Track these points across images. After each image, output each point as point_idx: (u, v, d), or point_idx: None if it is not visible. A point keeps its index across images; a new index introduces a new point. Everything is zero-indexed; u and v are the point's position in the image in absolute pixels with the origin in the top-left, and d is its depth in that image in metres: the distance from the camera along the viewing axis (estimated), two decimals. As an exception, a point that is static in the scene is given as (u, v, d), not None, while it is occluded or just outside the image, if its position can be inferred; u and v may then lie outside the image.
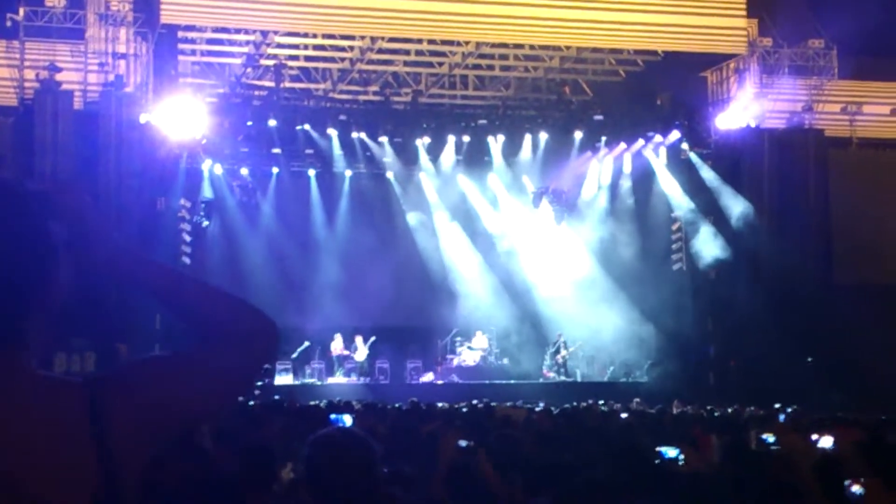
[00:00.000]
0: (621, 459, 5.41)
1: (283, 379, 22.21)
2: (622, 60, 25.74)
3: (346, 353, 23.56)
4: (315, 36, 23.71)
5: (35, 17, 21.84)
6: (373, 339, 23.48)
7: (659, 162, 25.61)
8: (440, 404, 15.62)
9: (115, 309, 18.71)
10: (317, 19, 22.07)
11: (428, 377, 23.62)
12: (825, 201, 24.91)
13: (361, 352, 23.52)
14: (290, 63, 24.49)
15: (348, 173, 25.64)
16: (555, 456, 5.64)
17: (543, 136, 25.36)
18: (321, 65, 25.26)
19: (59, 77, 21.46)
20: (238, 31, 23.49)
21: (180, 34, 23.13)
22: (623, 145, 25.65)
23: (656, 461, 6.18)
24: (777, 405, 15.88)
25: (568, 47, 24.45)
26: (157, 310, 20.55)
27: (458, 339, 24.51)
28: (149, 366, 1.86)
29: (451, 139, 25.18)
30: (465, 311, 24.81)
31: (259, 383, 21.91)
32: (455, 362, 24.03)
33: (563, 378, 24.05)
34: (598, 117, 25.35)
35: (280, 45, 23.77)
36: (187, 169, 23.22)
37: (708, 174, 25.09)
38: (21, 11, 21.80)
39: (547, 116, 25.81)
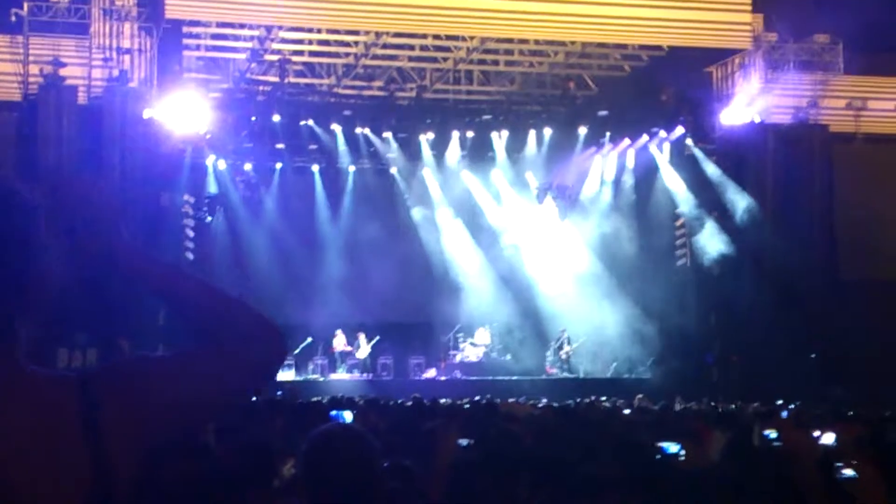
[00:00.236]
0: (622, 455, 5.40)
1: (285, 375, 22.19)
2: (627, 56, 25.69)
3: (348, 348, 23.56)
4: (319, 31, 23.68)
5: (39, 11, 21.82)
6: (377, 338, 23.46)
7: (663, 157, 25.58)
8: (443, 400, 15.61)
9: (118, 304, 18.69)
10: (321, 14, 22.05)
11: (431, 373, 23.63)
12: (829, 197, 24.87)
13: (363, 349, 23.51)
14: (295, 58, 24.46)
15: (352, 169, 25.63)
16: (557, 452, 5.63)
17: (548, 132, 25.34)
18: (325, 60, 25.23)
19: (63, 72, 21.46)
20: (242, 27, 23.48)
21: (184, 29, 23.13)
22: (627, 141, 25.63)
23: (657, 456, 6.16)
24: (780, 401, 15.87)
25: (573, 42, 24.39)
26: (161, 306, 20.52)
27: (461, 335, 24.51)
28: (144, 364, 1.85)
29: (456, 134, 25.17)
30: (468, 307, 24.81)
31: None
32: (458, 358, 24.04)
33: (565, 374, 24.05)
34: (603, 113, 25.33)
35: (284, 41, 23.74)
36: (191, 164, 23.23)
37: (712, 170, 25.05)
38: (25, 6, 21.79)
39: (551, 112, 25.79)
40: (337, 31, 23.69)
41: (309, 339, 22.97)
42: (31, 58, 21.81)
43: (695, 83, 25.45)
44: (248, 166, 24.50)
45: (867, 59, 24.91)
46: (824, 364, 22.37)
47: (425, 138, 25.05)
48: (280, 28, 22.89)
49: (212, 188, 24.03)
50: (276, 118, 23.57)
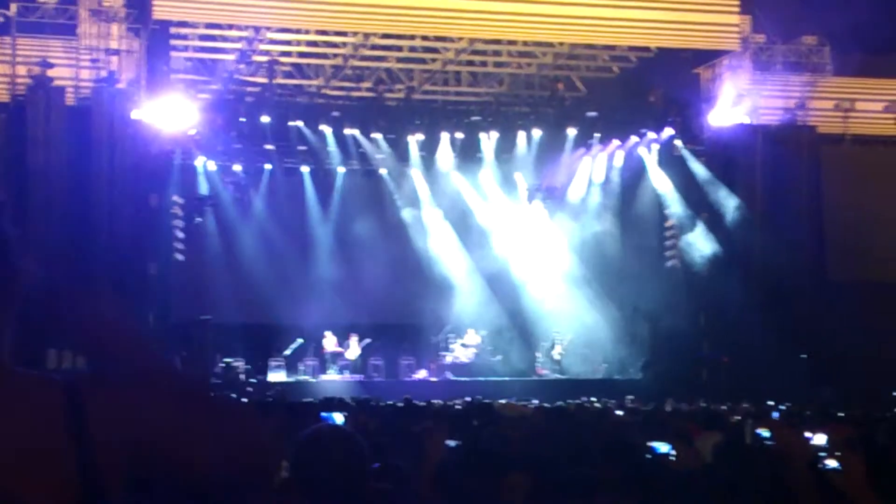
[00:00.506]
0: (613, 456, 5.39)
1: (276, 376, 22.19)
2: (615, 57, 25.70)
3: (338, 349, 23.53)
4: (308, 32, 23.64)
5: (27, 12, 21.73)
6: (367, 340, 23.42)
7: (652, 159, 25.60)
8: (434, 401, 15.60)
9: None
10: (309, 15, 22.01)
11: (421, 374, 23.61)
12: (818, 198, 24.92)
13: (353, 351, 23.46)
14: (283, 59, 24.42)
15: (341, 170, 25.60)
16: (548, 453, 5.62)
17: (537, 133, 25.34)
18: (314, 61, 25.19)
19: (51, 73, 21.38)
20: (230, 28, 23.42)
21: (173, 30, 23.06)
22: (616, 142, 25.65)
23: (648, 456, 6.16)
24: (770, 402, 15.88)
25: (561, 44, 24.40)
26: (152, 308, 20.55)
27: (451, 335, 24.50)
28: (132, 368, 1.83)
29: (445, 136, 25.15)
30: (457, 308, 24.79)
31: (253, 380, 21.90)
32: (448, 359, 24.03)
33: (556, 375, 24.05)
34: (592, 114, 25.33)
35: (273, 42, 23.70)
36: (180, 165, 23.18)
37: (701, 171, 25.07)
38: (13, 7, 21.70)
39: (540, 113, 25.80)
40: (325, 32, 23.66)
41: (300, 340, 22.94)
42: (18, 59, 21.72)
43: (683, 84, 25.48)
44: (237, 167, 24.45)
45: (855, 60, 24.95)
46: (814, 365, 22.40)
47: (414, 139, 25.03)
48: (268, 29, 22.85)
49: (202, 189, 23.98)
50: (265, 119, 23.53)
